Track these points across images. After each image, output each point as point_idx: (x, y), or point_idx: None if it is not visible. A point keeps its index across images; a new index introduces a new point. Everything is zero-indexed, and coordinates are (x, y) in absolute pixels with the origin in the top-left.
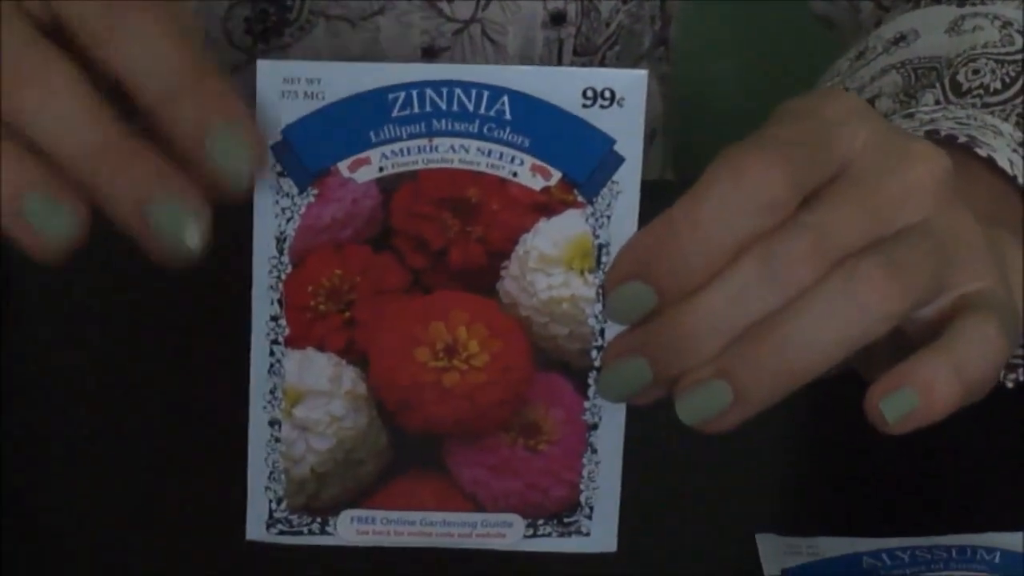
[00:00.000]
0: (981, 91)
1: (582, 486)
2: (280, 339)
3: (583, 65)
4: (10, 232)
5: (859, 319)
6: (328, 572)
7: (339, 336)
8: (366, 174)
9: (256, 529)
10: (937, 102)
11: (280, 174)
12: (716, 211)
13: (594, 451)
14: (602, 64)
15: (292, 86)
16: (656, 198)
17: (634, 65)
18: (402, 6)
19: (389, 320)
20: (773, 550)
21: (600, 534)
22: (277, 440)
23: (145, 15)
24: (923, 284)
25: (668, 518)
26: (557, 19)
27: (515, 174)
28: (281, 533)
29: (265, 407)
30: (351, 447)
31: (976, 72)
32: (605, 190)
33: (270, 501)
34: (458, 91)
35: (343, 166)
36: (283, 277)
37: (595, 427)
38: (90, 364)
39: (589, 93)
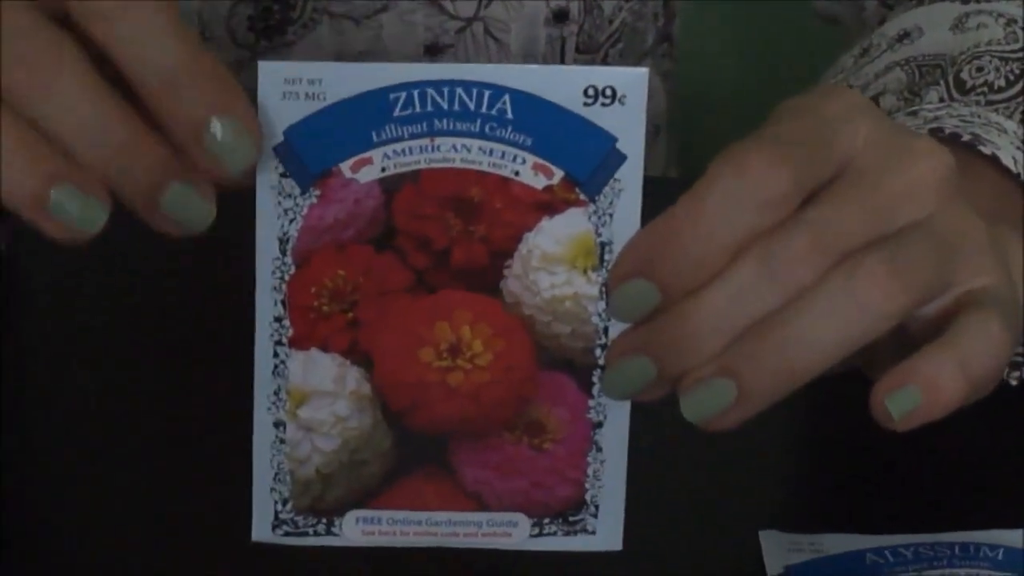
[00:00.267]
0: (985, 89)
1: (587, 484)
2: (284, 340)
3: (586, 63)
4: (37, 223)
5: (861, 317)
6: (334, 573)
7: (343, 337)
8: (368, 174)
9: (262, 530)
10: (941, 100)
11: (282, 175)
12: (718, 209)
13: (599, 449)
14: (605, 61)
15: (293, 87)
16: (660, 195)
17: (638, 62)
18: (405, 4)
19: (393, 320)
20: (776, 547)
21: (606, 532)
22: (282, 441)
23: (148, 4)
24: (925, 281)
25: (672, 516)
26: (560, 17)
27: (517, 173)
28: (287, 534)
29: (270, 408)
30: (356, 448)
31: (980, 70)
32: (607, 188)
33: (275, 502)
34: (459, 90)
35: (345, 167)
36: (286, 278)
37: (599, 425)
38: (95, 367)
39: (590, 91)
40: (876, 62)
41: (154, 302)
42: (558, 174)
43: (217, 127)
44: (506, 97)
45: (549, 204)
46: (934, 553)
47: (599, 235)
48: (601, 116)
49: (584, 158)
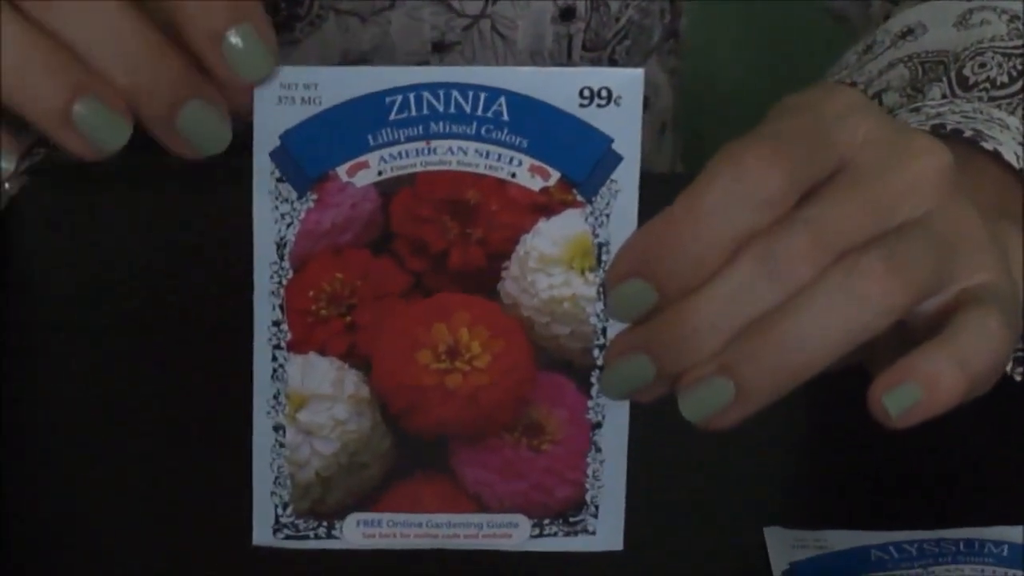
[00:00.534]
0: (987, 85)
1: (587, 485)
2: (282, 344)
3: (593, 60)
4: (59, 138)
5: (860, 314)
6: None
7: (341, 340)
8: (365, 178)
9: (263, 534)
10: (944, 96)
11: (279, 180)
12: (715, 207)
13: (598, 450)
14: (612, 59)
15: (289, 92)
16: (666, 191)
17: (644, 59)
18: (412, 2)
19: (390, 323)
20: (781, 544)
21: (606, 533)
22: (282, 445)
23: None
24: (925, 278)
25: (675, 514)
26: (567, 14)
27: (514, 175)
28: (287, 538)
29: (269, 412)
30: (355, 451)
31: (983, 66)
32: (604, 189)
33: (276, 506)
34: (455, 93)
35: (342, 170)
36: (284, 282)
37: (599, 426)
38: (94, 372)
39: (586, 93)
40: (879, 59)
41: (153, 307)
42: (555, 176)
43: (236, 35)
44: (502, 99)
45: (546, 206)
46: (939, 549)
47: (596, 236)
48: (597, 117)
49: (580, 159)
